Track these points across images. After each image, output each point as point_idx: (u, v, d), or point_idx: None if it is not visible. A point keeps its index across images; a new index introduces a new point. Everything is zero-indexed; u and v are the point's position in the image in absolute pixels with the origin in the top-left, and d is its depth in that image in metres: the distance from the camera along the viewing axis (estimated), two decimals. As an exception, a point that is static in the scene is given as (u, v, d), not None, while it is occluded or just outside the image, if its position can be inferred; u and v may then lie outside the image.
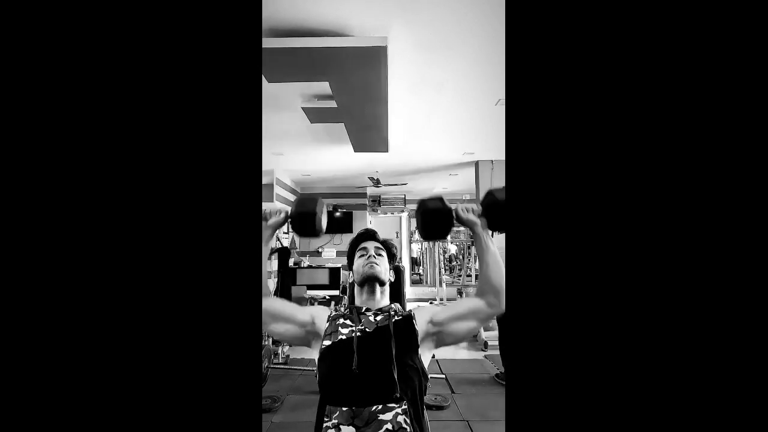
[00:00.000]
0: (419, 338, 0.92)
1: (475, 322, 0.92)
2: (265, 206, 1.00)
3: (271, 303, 0.97)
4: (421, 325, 0.94)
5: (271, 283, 4.07)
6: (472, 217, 0.95)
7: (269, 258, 4.22)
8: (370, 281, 0.99)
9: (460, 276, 6.00)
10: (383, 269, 1.02)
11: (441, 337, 0.94)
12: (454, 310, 0.95)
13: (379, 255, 1.04)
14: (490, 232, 0.95)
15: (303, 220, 0.98)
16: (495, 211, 0.92)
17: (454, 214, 0.96)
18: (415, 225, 1.03)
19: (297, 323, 0.96)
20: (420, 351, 0.92)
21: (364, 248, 1.05)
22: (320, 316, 0.98)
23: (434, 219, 0.96)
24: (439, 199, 0.98)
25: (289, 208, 1.02)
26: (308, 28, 1.87)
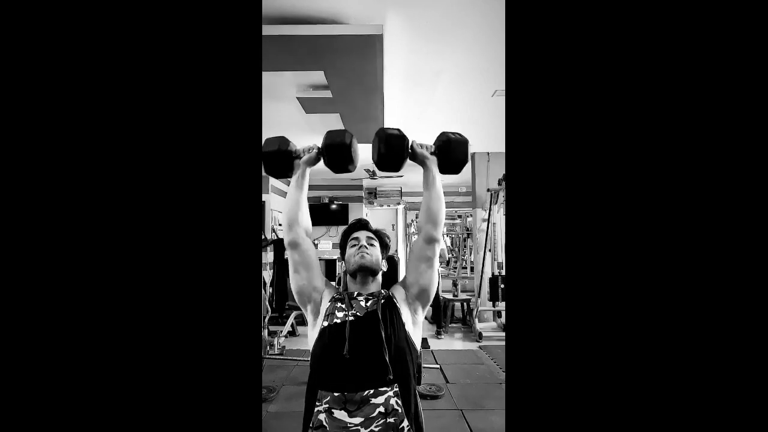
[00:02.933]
0: (403, 313, 0.94)
1: (425, 262, 0.97)
2: (296, 145, 1.04)
3: (308, 222, 1.02)
4: (400, 299, 0.97)
5: (266, 276, 4.07)
6: (425, 152, 1.01)
7: (265, 250, 4.23)
8: (362, 271, 0.99)
9: (455, 268, 6.06)
10: (375, 259, 1.02)
11: (419, 296, 0.98)
12: (410, 265, 1.00)
13: (371, 245, 1.04)
14: (438, 169, 1.01)
15: (335, 151, 1.01)
16: (445, 151, 1.01)
17: (409, 145, 1.01)
18: (371, 155, 1.06)
19: (313, 281, 0.98)
20: (407, 327, 0.93)
21: (356, 238, 1.05)
22: (327, 293, 1.00)
23: (390, 144, 1.01)
24: (398, 129, 1.03)
25: (319, 144, 1.03)
26: (303, 16, 1.84)
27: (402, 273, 1.18)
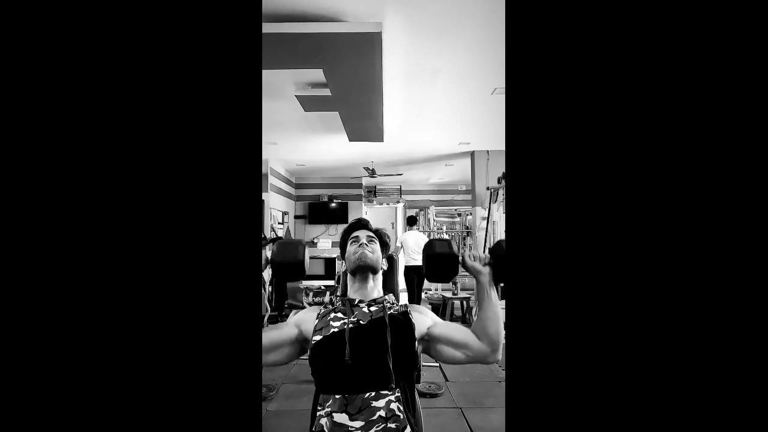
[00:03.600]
0: (416, 330, 0.92)
1: (463, 356, 0.91)
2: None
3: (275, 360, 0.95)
4: (419, 326, 0.93)
5: (266, 275, 4.07)
6: (477, 266, 0.94)
7: (264, 248, 4.21)
8: (362, 270, 0.99)
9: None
10: (376, 257, 1.01)
11: (429, 348, 0.95)
12: (451, 333, 0.93)
13: (372, 243, 1.04)
14: (493, 283, 0.93)
15: (287, 268, 0.99)
16: (503, 262, 0.91)
17: (460, 260, 0.96)
18: (424, 270, 1.05)
19: (286, 343, 0.93)
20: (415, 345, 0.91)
21: (356, 237, 1.04)
22: (306, 320, 0.95)
23: (440, 263, 0.98)
24: (447, 243, 1.00)
25: (269, 253, 1.00)
26: (301, 13, 1.83)
27: (401, 273, 1.18)
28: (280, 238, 4.13)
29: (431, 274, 1.02)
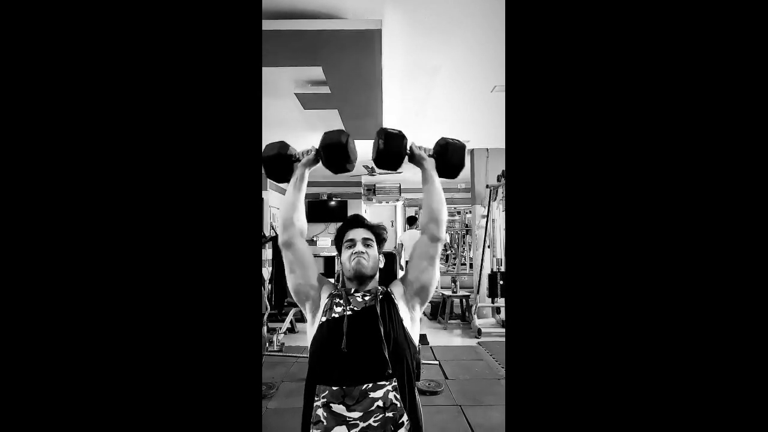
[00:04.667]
0: (401, 309, 0.94)
1: (427, 260, 0.98)
2: (296, 148, 1.06)
3: (303, 223, 1.02)
4: (398, 295, 0.97)
5: (265, 273, 4.07)
6: (423, 153, 1.04)
7: (264, 246, 4.22)
8: (359, 277, 0.98)
9: (454, 264, 6.08)
10: (372, 264, 1.00)
11: (418, 292, 0.98)
12: (411, 263, 1.01)
13: (368, 245, 1.01)
14: (435, 170, 1.03)
15: (333, 151, 1.03)
16: (443, 155, 1.03)
17: (408, 146, 1.04)
18: (372, 153, 1.08)
19: (309, 279, 0.99)
20: (405, 323, 0.93)
21: (352, 240, 1.01)
22: (325, 289, 1.00)
23: (389, 143, 1.03)
24: (398, 130, 1.05)
25: (316, 145, 1.05)
26: (300, 10, 1.82)
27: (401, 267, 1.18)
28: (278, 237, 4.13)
29: (381, 158, 1.05)
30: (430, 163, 1.03)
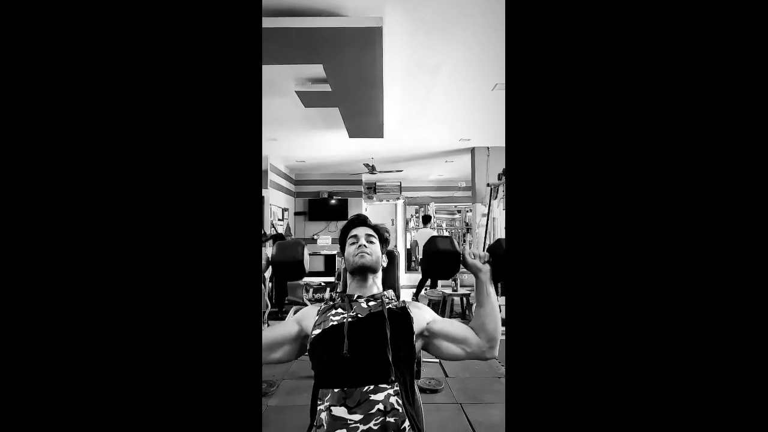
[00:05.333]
0: (415, 326, 0.92)
1: (462, 352, 0.93)
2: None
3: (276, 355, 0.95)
4: (418, 321, 0.94)
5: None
6: (478, 263, 0.95)
7: (265, 245, 4.22)
8: (362, 271, 0.99)
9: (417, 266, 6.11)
10: (375, 257, 1.00)
11: (428, 344, 0.95)
12: (450, 329, 0.95)
13: (371, 242, 1.02)
14: (492, 281, 0.95)
15: (286, 268, 1.01)
16: (502, 261, 0.92)
17: (461, 258, 0.97)
18: (420, 262, 1.05)
19: (287, 341, 0.94)
20: (414, 338, 0.92)
21: (355, 236, 1.03)
22: (307, 315, 0.96)
23: (441, 260, 0.97)
24: (449, 240, 0.99)
25: (269, 253, 1.02)
26: (301, 8, 1.82)
27: (402, 269, 1.17)
28: (281, 234, 4.12)
29: (432, 271, 1.01)
30: (486, 274, 0.94)
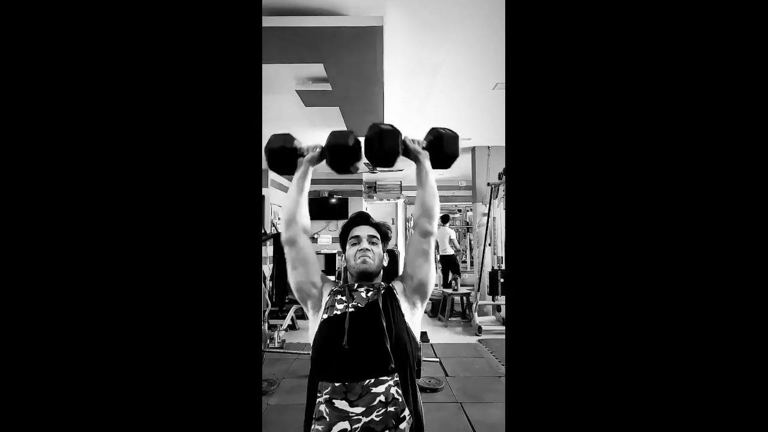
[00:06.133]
0: (403, 305, 0.95)
1: (421, 256, 0.98)
2: (301, 143, 1.05)
3: (306, 220, 1.01)
4: (399, 291, 0.97)
5: (266, 270, 4.08)
6: (417, 147, 1.03)
7: (265, 244, 4.22)
8: (364, 276, 0.99)
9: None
10: (377, 263, 1.01)
11: (417, 289, 0.98)
12: (407, 259, 1.01)
13: (373, 243, 1.02)
14: (430, 163, 1.03)
15: (339, 152, 1.02)
16: (437, 146, 1.04)
17: (402, 141, 1.03)
18: (365, 150, 1.05)
19: (311, 277, 0.98)
20: (407, 318, 0.94)
21: (357, 237, 1.02)
22: (327, 286, 1.00)
23: (383, 140, 1.02)
24: (391, 125, 1.04)
25: (323, 143, 1.04)
26: (302, 7, 1.82)
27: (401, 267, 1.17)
28: (281, 234, 4.13)
29: (375, 156, 1.03)
30: (425, 157, 1.02)
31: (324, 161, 1.04)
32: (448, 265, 5.37)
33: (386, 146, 1.02)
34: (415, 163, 1.03)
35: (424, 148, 1.04)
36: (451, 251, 5.35)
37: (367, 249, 0.99)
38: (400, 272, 1.05)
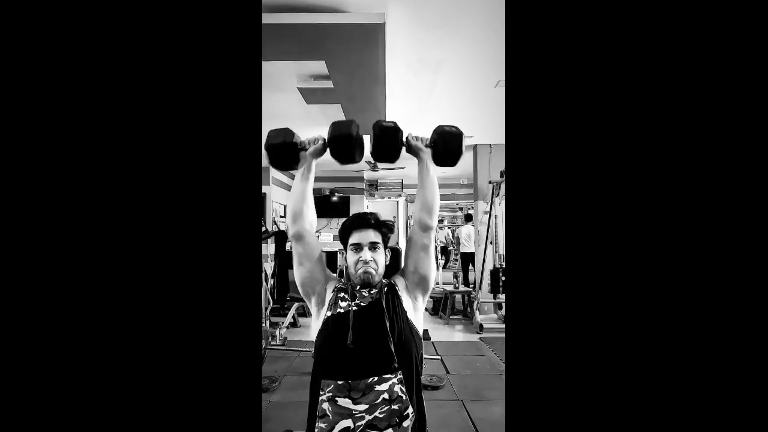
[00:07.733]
0: (405, 301, 0.95)
1: (422, 250, 0.98)
2: (301, 136, 1.05)
3: (312, 214, 1.01)
4: (401, 287, 0.97)
5: (268, 267, 4.08)
6: (419, 144, 1.04)
7: (266, 242, 4.23)
8: (366, 286, 0.96)
9: (457, 260, 6.19)
10: (379, 271, 0.98)
11: (419, 284, 0.98)
12: (408, 254, 1.01)
13: (375, 250, 0.97)
14: (432, 161, 1.05)
15: (341, 143, 1.02)
16: (440, 144, 1.04)
17: (404, 138, 1.04)
18: (371, 148, 1.08)
19: (316, 273, 0.98)
20: (410, 315, 0.93)
21: (358, 245, 0.97)
22: (331, 283, 1.00)
23: (385, 137, 1.03)
24: (393, 122, 1.05)
25: (325, 135, 1.04)
26: (304, 4, 1.81)
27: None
28: (282, 231, 4.13)
29: (378, 152, 1.05)
30: (427, 154, 1.03)
31: (327, 153, 1.04)
32: (468, 261, 5.55)
33: (388, 142, 1.02)
34: (417, 160, 1.04)
35: (427, 146, 1.04)
36: (472, 249, 5.43)
37: (368, 261, 0.95)
38: (401, 271, 1.06)
